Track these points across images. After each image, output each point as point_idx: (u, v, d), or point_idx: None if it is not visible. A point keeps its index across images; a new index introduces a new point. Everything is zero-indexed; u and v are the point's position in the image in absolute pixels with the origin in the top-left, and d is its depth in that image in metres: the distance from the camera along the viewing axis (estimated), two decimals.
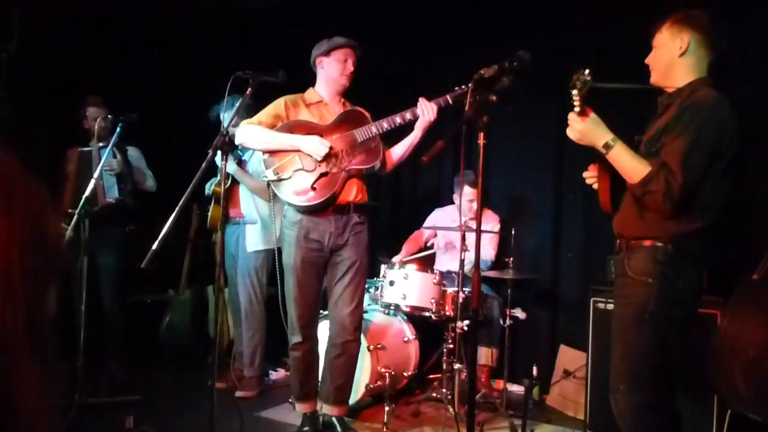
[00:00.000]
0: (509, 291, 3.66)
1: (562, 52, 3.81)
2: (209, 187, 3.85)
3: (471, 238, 3.43)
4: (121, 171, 3.73)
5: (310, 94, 3.06)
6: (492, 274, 3.76)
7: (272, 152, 2.90)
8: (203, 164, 2.89)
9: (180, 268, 4.62)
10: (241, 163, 3.82)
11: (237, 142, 2.94)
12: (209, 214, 3.75)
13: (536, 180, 4.23)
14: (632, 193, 2.06)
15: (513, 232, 3.68)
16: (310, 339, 3.02)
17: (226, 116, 3.64)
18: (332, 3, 4.75)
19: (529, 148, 4.19)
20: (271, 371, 4.16)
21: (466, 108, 1.90)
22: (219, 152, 2.65)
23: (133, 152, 3.93)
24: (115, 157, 3.69)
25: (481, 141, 1.97)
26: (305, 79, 3.12)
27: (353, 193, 2.95)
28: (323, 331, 3.20)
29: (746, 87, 3.27)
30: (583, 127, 2.02)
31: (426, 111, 2.84)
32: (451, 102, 2.79)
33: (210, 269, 4.70)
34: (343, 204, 2.92)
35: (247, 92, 2.67)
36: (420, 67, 4.66)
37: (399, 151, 3.09)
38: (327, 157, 2.83)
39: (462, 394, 3.49)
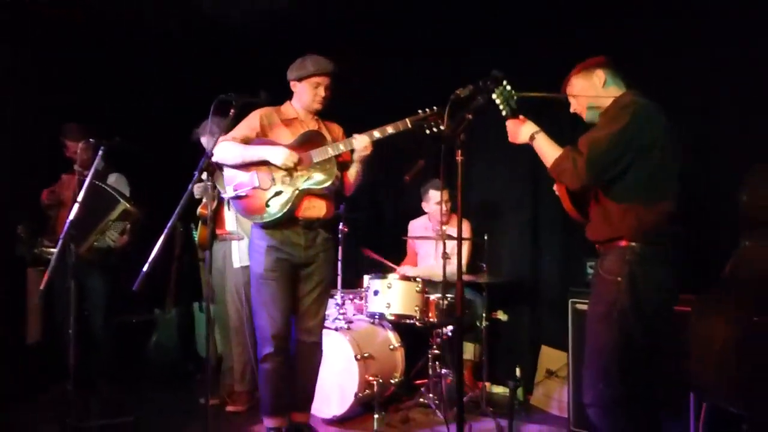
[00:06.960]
0: (483, 293, 3.82)
1: (532, 63, 3.92)
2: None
3: (449, 245, 3.56)
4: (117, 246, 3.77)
5: (286, 109, 3.09)
6: (467, 278, 3.86)
7: (234, 169, 2.95)
8: (190, 186, 2.95)
9: (165, 287, 4.65)
10: None
11: (214, 160, 2.93)
12: (197, 233, 3.80)
13: (512, 186, 4.35)
14: (551, 176, 2.27)
15: (486, 238, 3.79)
16: (284, 351, 2.97)
17: (208, 139, 3.72)
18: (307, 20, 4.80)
19: (504, 156, 4.28)
20: None
21: (444, 127, 1.99)
22: (204, 174, 2.72)
23: (118, 179, 3.92)
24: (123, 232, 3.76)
25: (458, 158, 2.07)
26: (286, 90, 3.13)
27: (318, 209, 2.99)
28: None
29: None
30: (513, 128, 2.31)
31: (359, 143, 2.95)
32: (409, 125, 2.86)
33: (195, 287, 4.77)
34: (310, 219, 2.97)
35: (230, 114, 2.70)
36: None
37: (351, 175, 3.12)
38: (282, 177, 2.91)
39: (449, 398, 3.60)
